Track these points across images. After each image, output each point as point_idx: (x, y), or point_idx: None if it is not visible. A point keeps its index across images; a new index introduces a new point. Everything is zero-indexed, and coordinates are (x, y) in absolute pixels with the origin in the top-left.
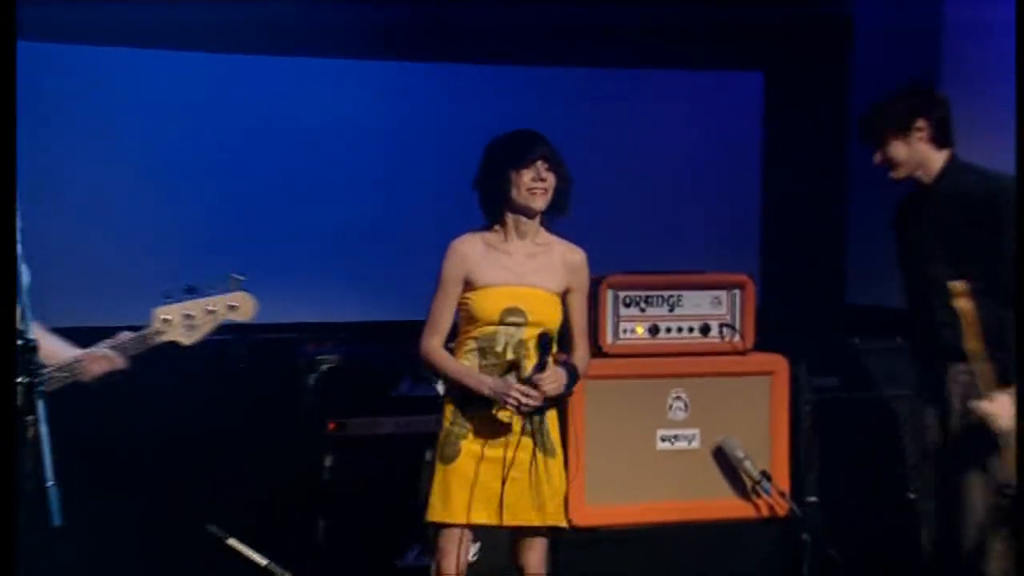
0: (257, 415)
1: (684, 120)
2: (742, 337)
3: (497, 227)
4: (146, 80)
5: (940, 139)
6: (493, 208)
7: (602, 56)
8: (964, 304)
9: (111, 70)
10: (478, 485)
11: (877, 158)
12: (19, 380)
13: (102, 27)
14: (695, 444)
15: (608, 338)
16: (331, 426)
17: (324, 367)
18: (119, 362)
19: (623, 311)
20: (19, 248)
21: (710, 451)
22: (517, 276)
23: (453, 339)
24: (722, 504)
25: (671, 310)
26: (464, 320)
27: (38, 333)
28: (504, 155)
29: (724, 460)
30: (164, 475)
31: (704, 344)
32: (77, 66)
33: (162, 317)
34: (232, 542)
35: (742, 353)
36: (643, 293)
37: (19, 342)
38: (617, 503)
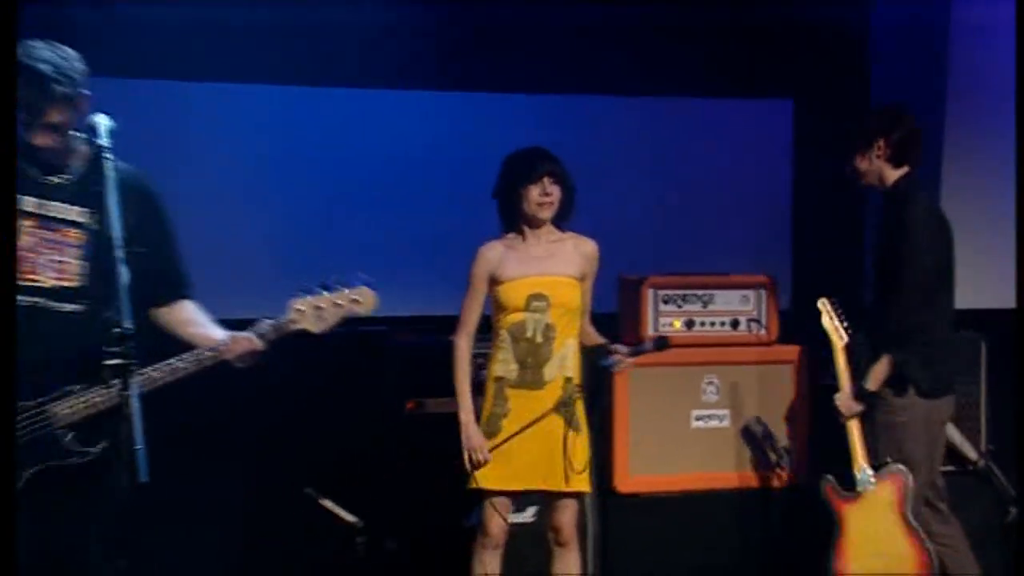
0: (350, 394)
1: (727, 143)
2: (767, 330)
3: (514, 233)
4: (260, 111)
5: (897, 158)
6: (509, 217)
7: (654, 86)
8: (827, 323)
9: (235, 103)
10: (516, 457)
11: (847, 169)
12: (115, 362)
13: (226, 67)
14: (725, 423)
15: (649, 330)
16: (410, 405)
17: (406, 355)
18: (259, 345)
19: (662, 307)
20: (120, 253)
21: (738, 429)
22: (538, 269)
23: (482, 335)
24: (748, 475)
25: (705, 306)
26: (495, 310)
27: (200, 319)
28: (515, 172)
29: (750, 437)
30: (273, 443)
31: (733, 336)
32: (214, 100)
33: (296, 307)
34: (325, 502)
35: (767, 344)
36: (680, 292)
37: (115, 331)
38: (657, 473)
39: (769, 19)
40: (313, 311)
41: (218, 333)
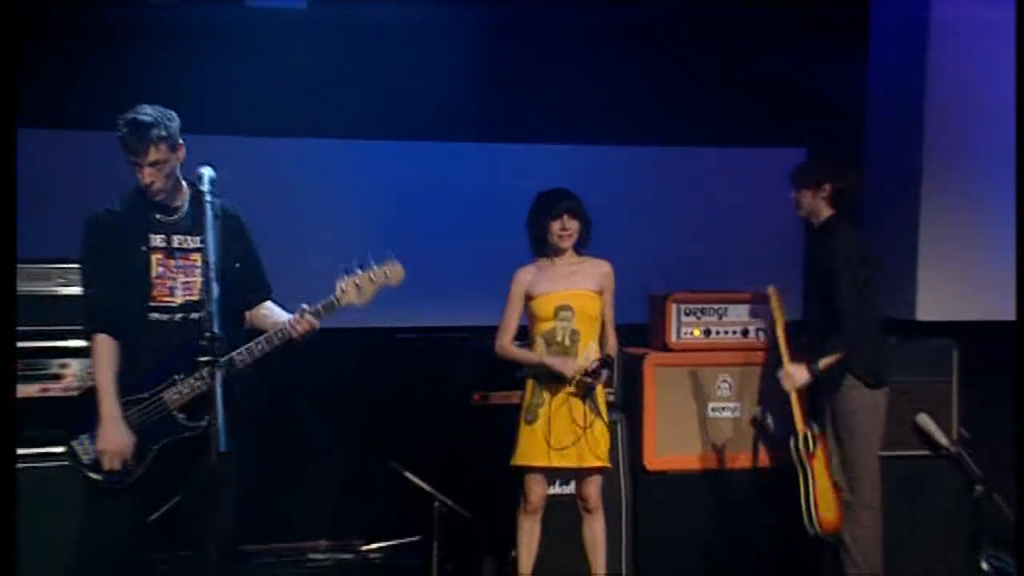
0: (430, 387)
1: (750, 185)
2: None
3: (544, 257)
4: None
5: (835, 201)
6: (537, 246)
7: (689, 137)
8: (774, 304)
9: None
10: (550, 438)
11: (791, 195)
12: (205, 359)
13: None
14: (736, 414)
15: (672, 338)
16: (477, 397)
17: (474, 356)
18: (315, 323)
19: (684, 318)
20: (213, 272)
21: (747, 419)
22: (564, 285)
23: (521, 338)
24: (754, 456)
25: (720, 318)
26: (531, 321)
27: (275, 311)
28: (540, 209)
29: (757, 425)
30: (366, 426)
31: (743, 343)
32: (317, 154)
33: (340, 287)
34: (407, 474)
35: (771, 349)
36: (699, 306)
37: (207, 334)
38: (679, 454)
39: (786, 83)
40: (354, 288)
41: (281, 315)
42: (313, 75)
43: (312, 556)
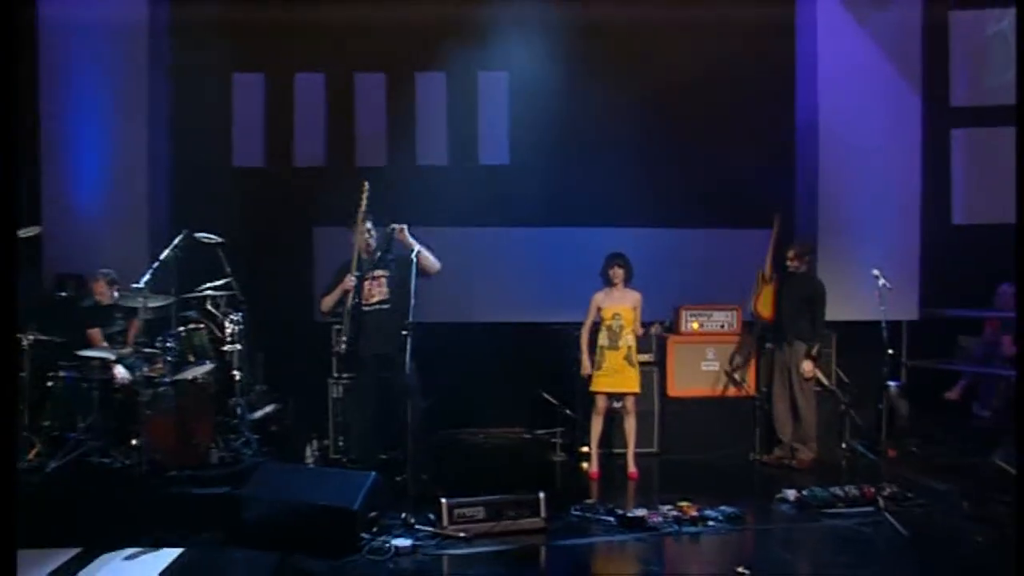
0: (554, 353)
1: (737, 253)
2: (737, 327)
3: (607, 287)
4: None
5: (809, 262)
6: (604, 280)
7: (695, 221)
8: (775, 227)
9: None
10: (608, 376)
11: (791, 255)
12: (403, 333)
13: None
14: (716, 368)
15: (683, 328)
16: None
17: (573, 337)
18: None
19: (689, 318)
20: (410, 286)
21: (722, 371)
22: (617, 303)
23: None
24: (725, 389)
25: (709, 318)
26: (600, 319)
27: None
28: (605, 262)
29: (728, 374)
30: (531, 373)
31: (721, 331)
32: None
33: (360, 214)
34: (547, 396)
35: (737, 334)
36: (698, 311)
37: (405, 321)
38: (687, 388)
39: (758, 180)
40: (363, 213)
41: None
42: (501, 196)
43: (509, 436)
